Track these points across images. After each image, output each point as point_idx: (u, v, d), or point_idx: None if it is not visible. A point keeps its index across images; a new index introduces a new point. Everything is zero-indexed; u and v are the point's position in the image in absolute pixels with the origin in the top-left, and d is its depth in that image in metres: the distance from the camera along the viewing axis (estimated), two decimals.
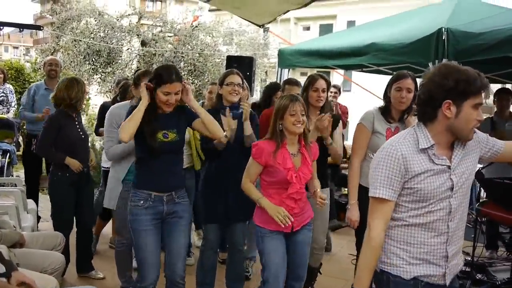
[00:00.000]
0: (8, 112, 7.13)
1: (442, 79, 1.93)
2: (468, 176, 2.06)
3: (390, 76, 3.49)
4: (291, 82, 4.34)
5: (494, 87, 6.35)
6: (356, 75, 10.05)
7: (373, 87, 8.26)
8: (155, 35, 14.94)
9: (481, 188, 5.84)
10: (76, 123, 4.16)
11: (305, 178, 3.06)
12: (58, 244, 3.67)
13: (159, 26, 15.61)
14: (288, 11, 5.58)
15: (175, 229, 3.12)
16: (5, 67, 10.02)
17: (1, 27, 6.78)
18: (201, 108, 3.13)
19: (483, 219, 4.68)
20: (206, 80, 14.05)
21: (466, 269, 4.15)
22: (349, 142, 6.07)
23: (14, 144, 6.72)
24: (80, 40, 13.85)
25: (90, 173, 4.39)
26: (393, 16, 6.08)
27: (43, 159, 5.55)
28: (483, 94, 1.95)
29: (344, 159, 6.53)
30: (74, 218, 4.22)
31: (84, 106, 4.40)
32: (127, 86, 4.54)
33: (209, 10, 20.47)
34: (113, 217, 4.65)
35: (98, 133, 5.37)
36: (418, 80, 2.70)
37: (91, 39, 13.94)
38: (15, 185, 5.05)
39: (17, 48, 53.17)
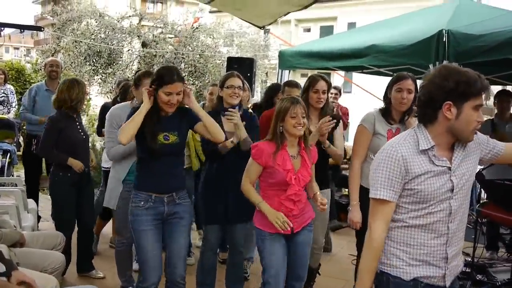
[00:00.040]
0: (8, 113, 7.15)
1: (442, 81, 1.93)
2: (469, 178, 2.06)
3: (391, 78, 3.50)
4: (291, 84, 4.34)
5: (495, 88, 6.36)
6: (356, 76, 10.07)
7: (374, 88, 8.27)
8: (155, 37, 14.96)
9: (482, 189, 5.84)
10: (77, 124, 4.18)
11: (304, 181, 3.06)
12: (58, 244, 3.67)
13: (160, 27, 15.63)
14: (289, 12, 5.58)
15: (176, 230, 3.12)
16: (6, 67, 10.06)
17: (2, 28, 6.78)
18: (203, 111, 3.13)
19: (484, 220, 4.68)
20: (207, 81, 14.06)
21: (467, 270, 4.15)
22: (349, 143, 6.07)
23: (14, 144, 6.74)
24: (81, 41, 13.86)
25: (90, 173, 4.40)
26: (393, 18, 6.09)
27: (43, 159, 5.55)
28: (483, 96, 1.95)
29: (345, 160, 6.54)
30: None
31: (84, 106, 4.40)
32: (127, 86, 4.55)
33: (210, 12, 20.49)
34: (113, 217, 4.65)
35: (100, 134, 5.38)
36: (418, 82, 2.71)
37: (92, 40, 13.95)
38: (16, 185, 5.05)
39: (18, 49, 53.23)
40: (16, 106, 7.38)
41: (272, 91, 4.71)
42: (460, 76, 1.92)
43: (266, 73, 17.25)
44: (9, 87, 7.41)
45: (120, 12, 15.36)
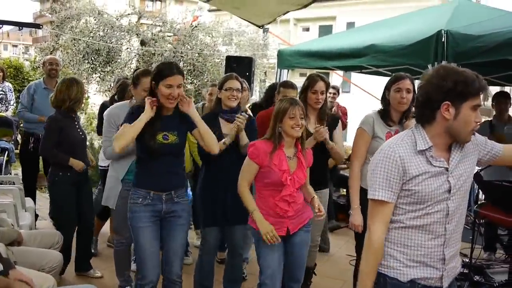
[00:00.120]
0: (7, 110, 7.12)
1: (440, 81, 1.93)
2: (466, 179, 2.06)
3: (389, 78, 3.49)
4: (287, 85, 4.34)
5: (493, 89, 6.37)
6: (355, 76, 10.06)
7: (372, 88, 8.28)
8: (154, 35, 14.93)
9: (480, 190, 5.84)
10: (76, 123, 4.18)
11: (299, 182, 3.06)
12: (56, 243, 3.67)
13: (159, 25, 15.61)
14: (288, 12, 5.58)
15: (174, 228, 3.13)
16: (4, 65, 10.02)
17: (1, 25, 6.77)
18: (201, 121, 3.11)
19: (481, 221, 4.69)
20: (206, 80, 14.05)
21: (464, 271, 4.15)
22: (347, 143, 6.08)
23: (12, 142, 6.70)
24: (80, 39, 13.83)
25: (88, 172, 4.39)
26: (392, 18, 6.09)
27: (40, 157, 5.54)
28: (481, 96, 1.95)
29: (343, 160, 6.54)
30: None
31: (83, 105, 4.40)
32: (125, 85, 4.54)
33: (209, 10, 20.48)
34: (111, 216, 4.65)
35: (100, 133, 5.36)
36: (417, 82, 2.71)
37: (91, 38, 13.92)
38: (13, 183, 5.04)
39: (16, 46, 53.13)
40: (14, 104, 7.35)
41: (273, 91, 4.70)
42: (458, 76, 1.92)
43: (265, 72, 17.24)
44: (7, 84, 7.39)
45: (119, 10, 15.33)
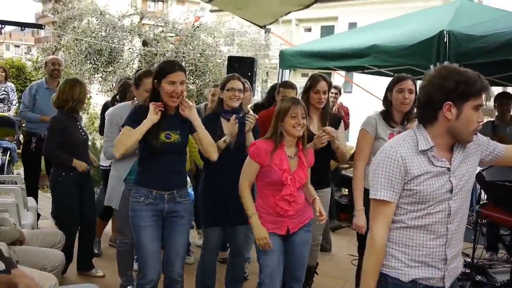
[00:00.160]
0: (9, 110, 7.15)
1: (442, 81, 1.93)
2: (468, 179, 2.05)
3: (391, 79, 3.49)
4: (286, 85, 4.35)
5: (495, 90, 6.37)
6: (357, 76, 10.06)
7: (374, 88, 8.27)
8: (156, 35, 14.95)
9: (482, 190, 5.84)
10: (78, 124, 4.19)
11: (300, 182, 3.05)
12: (58, 242, 3.67)
13: (161, 26, 15.61)
14: (290, 12, 5.58)
15: (175, 228, 3.12)
16: (6, 65, 10.05)
17: (3, 26, 6.77)
18: (202, 126, 3.11)
19: (484, 221, 4.69)
20: (207, 80, 14.05)
21: (466, 271, 4.15)
22: (350, 143, 6.07)
23: (14, 142, 6.73)
24: (82, 39, 13.85)
25: (90, 171, 4.40)
26: (394, 18, 6.08)
27: (42, 157, 5.56)
28: (483, 96, 1.95)
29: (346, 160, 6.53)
30: None
31: (85, 105, 4.41)
32: (126, 85, 4.55)
33: (211, 11, 20.50)
34: (114, 216, 4.65)
35: (102, 133, 5.37)
36: (418, 83, 2.71)
37: (93, 39, 13.94)
38: (16, 183, 5.05)
39: (18, 46, 53.24)
40: (17, 104, 7.38)
41: (274, 91, 4.71)
42: (459, 76, 1.92)
43: (267, 73, 17.23)
44: (10, 84, 7.42)
45: (121, 11, 15.34)
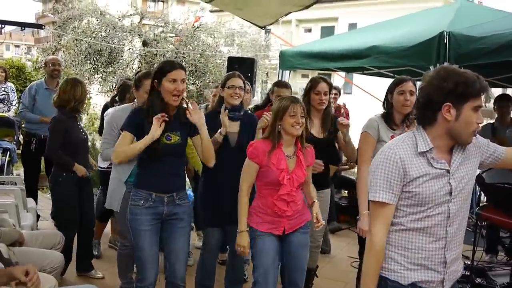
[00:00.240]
0: (9, 111, 7.14)
1: (441, 82, 1.93)
2: (468, 181, 2.04)
3: (391, 79, 3.49)
4: (281, 84, 4.36)
5: (495, 91, 6.36)
6: (357, 77, 10.06)
7: (374, 89, 8.27)
8: (156, 36, 14.96)
9: (481, 192, 5.83)
10: (78, 124, 4.19)
11: (298, 181, 3.04)
12: (58, 243, 3.67)
13: (161, 26, 15.62)
14: (290, 13, 5.57)
15: (175, 231, 3.10)
16: (6, 65, 10.05)
17: (3, 26, 6.77)
18: (206, 132, 3.08)
19: (483, 223, 4.68)
20: (207, 81, 14.06)
21: (466, 273, 4.14)
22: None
23: (14, 142, 6.72)
24: (82, 40, 13.85)
25: (89, 173, 4.40)
26: (395, 19, 6.08)
27: (42, 157, 5.55)
28: (482, 97, 1.94)
29: (343, 162, 6.54)
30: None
31: (85, 105, 4.41)
32: (125, 86, 4.55)
33: (211, 11, 20.50)
34: (114, 217, 4.64)
35: (101, 133, 5.37)
36: (418, 84, 2.70)
37: (93, 39, 13.94)
38: (15, 184, 5.04)
39: (18, 46, 53.24)
40: (17, 104, 7.37)
41: None
42: (458, 77, 1.91)
43: (267, 73, 17.25)
44: (10, 85, 7.41)
45: (121, 11, 15.35)
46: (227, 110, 3.49)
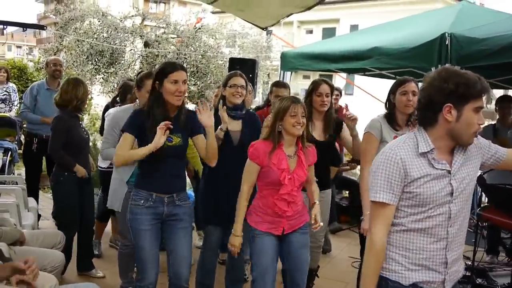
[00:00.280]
0: (10, 111, 7.15)
1: (442, 83, 1.92)
2: (469, 182, 2.04)
3: (392, 81, 3.49)
4: (279, 84, 4.38)
5: (497, 92, 6.36)
6: (358, 78, 10.07)
7: (375, 91, 8.27)
8: (158, 37, 14.99)
9: (483, 193, 5.83)
10: (80, 123, 4.20)
11: (299, 180, 3.05)
12: (58, 243, 3.67)
13: (162, 27, 15.67)
14: (292, 14, 5.59)
15: (176, 232, 3.09)
16: (8, 66, 10.06)
17: (5, 27, 6.79)
18: (213, 135, 3.07)
19: (484, 224, 4.68)
20: (209, 82, 14.08)
21: (467, 274, 4.14)
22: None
23: (15, 142, 6.72)
24: (83, 40, 13.89)
25: (90, 172, 4.41)
26: (396, 21, 6.09)
27: (44, 157, 5.56)
28: (484, 98, 1.94)
29: (345, 162, 6.54)
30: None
31: (86, 106, 4.43)
32: (126, 86, 4.56)
33: (212, 12, 20.53)
34: (115, 216, 4.65)
35: (103, 133, 5.38)
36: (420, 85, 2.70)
37: (94, 40, 13.98)
38: (16, 183, 5.05)
39: (20, 47, 53.33)
40: (18, 105, 7.38)
41: None
42: (459, 78, 1.91)
43: (268, 75, 17.27)
44: (12, 85, 7.41)
45: (123, 12, 15.39)
46: (225, 106, 3.50)
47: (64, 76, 5.95)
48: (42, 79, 6.41)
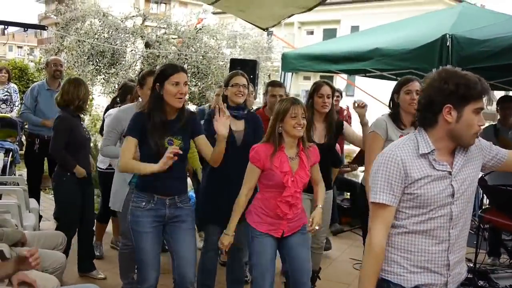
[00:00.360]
0: (11, 111, 7.15)
1: (442, 84, 1.92)
2: (470, 183, 2.04)
3: (393, 82, 3.50)
4: (274, 83, 4.39)
5: (498, 94, 6.36)
6: (359, 79, 10.06)
7: (376, 92, 8.28)
8: (159, 37, 14.99)
9: (484, 195, 5.82)
10: (81, 123, 4.21)
11: (302, 181, 3.05)
12: (60, 244, 3.67)
13: (163, 28, 15.66)
14: (293, 15, 5.58)
15: (180, 233, 3.07)
16: (9, 66, 10.06)
17: (6, 27, 6.80)
18: (224, 140, 2.99)
19: (486, 225, 4.67)
20: (210, 83, 14.08)
21: (468, 276, 4.13)
22: (351, 147, 6.06)
23: (17, 143, 6.73)
24: (84, 41, 13.90)
25: (91, 173, 4.41)
26: (397, 22, 6.09)
27: (45, 158, 5.56)
28: (484, 99, 1.93)
29: (346, 163, 6.53)
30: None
31: (87, 106, 4.43)
32: (126, 87, 4.56)
33: (213, 13, 20.53)
34: (116, 217, 4.65)
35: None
36: None
37: (95, 40, 13.99)
38: (18, 184, 5.05)
39: (21, 47, 53.37)
40: (19, 105, 7.38)
41: None
42: (460, 79, 1.91)
43: (269, 75, 17.25)
44: (13, 86, 7.42)
45: (124, 12, 15.39)
46: (236, 113, 3.49)
47: (64, 77, 5.95)
48: (43, 79, 6.40)
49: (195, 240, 3.20)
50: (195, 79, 14.25)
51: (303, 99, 3.69)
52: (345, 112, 6.35)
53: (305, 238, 3.20)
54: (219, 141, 2.97)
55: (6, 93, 7.18)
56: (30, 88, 5.87)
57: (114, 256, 4.51)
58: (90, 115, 13.34)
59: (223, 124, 2.92)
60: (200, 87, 14.32)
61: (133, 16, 15.66)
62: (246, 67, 6.16)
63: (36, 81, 9.42)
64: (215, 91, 5.12)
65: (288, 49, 8.25)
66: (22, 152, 6.50)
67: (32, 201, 4.90)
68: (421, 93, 2.04)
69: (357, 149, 5.90)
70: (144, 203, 3.01)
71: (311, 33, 31.67)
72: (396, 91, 3.41)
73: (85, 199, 4.21)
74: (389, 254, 2.05)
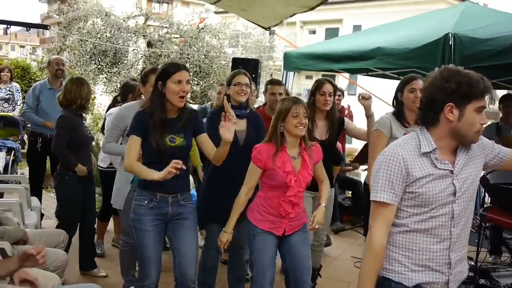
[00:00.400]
0: (13, 110, 7.17)
1: (444, 82, 1.92)
2: (472, 182, 2.03)
3: (396, 81, 3.50)
4: (274, 82, 4.40)
5: (500, 93, 6.34)
6: (361, 78, 10.05)
7: (379, 91, 8.26)
8: (161, 36, 15.02)
9: (486, 193, 5.81)
10: (83, 122, 4.21)
11: (305, 181, 3.05)
12: (61, 242, 3.67)
13: (165, 27, 15.69)
14: (295, 14, 5.58)
15: (182, 230, 3.07)
16: (11, 65, 10.08)
17: (9, 26, 6.79)
18: (229, 142, 2.94)
19: (487, 224, 4.67)
20: (212, 82, 14.09)
21: (470, 274, 4.13)
22: (352, 146, 6.06)
23: (19, 142, 6.74)
24: (87, 40, 13.93)
25: (93, 172, 4.42)
26: (399, 21, 6.08)
27: (48, 157, 5.57)
28: (486, 98, 1.93)
29: (347, 162, 6.54)
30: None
31: (89, 105, 4.44)
32: (128, 86, 4.57)
33: (215, 12, 20.55)
34: (118, 215, 4.66)
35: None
36: None
37: (98, 39, 14.01)
38: (19, 183, 5.06)
39: (23, 47, 53.43)
40: (21, 104, 7.39)
41: None
42: (461, 77, 1.90)
43: (271, 75, 17.25)
44: (15, 85, 7.43)
45: (126, 12, 15.42)
46: (239, 112, 3.49)
47: (67, 76, 5.96)
48: (45, 78, 6.41)
49: (197, 238, 3.20)
50: (197, 78, 14.26)
51: (305, 98, 3.69)
52: (346, 111, 6.36)
53: (305, 236, 3.20)
54: (224, 144, 2.96)
55: (9, 92, 7.19)
56: (32, 87, 5.87)
57: (115, 254, 4.52)
58: (92, 114, 13.35)
59: (229, 129, 2.89)
60: (202, 86, 14.34)
61: (135, 16, 15.69)
62: (248, 66, 6.16)
63: (38, 80, 9.44)
64: (216, 89, 5.12)
65: (290, 48, 8.26)
66: (24, 150, 6.52)
67: (34, 200, 4.91)
68: (423, 91, 2.03)
69: (359, 148, 5.90)
70: (146, 201, 3.01)
71: (313, 32, 31.68)
72: (399, 90, 3.42)
73: (87, 197, 4.22)
74: (390, 252, 2.05)
